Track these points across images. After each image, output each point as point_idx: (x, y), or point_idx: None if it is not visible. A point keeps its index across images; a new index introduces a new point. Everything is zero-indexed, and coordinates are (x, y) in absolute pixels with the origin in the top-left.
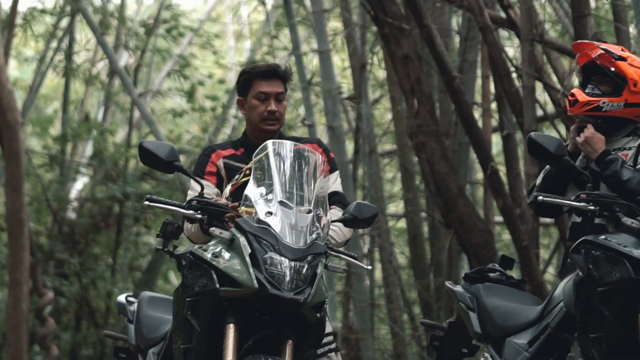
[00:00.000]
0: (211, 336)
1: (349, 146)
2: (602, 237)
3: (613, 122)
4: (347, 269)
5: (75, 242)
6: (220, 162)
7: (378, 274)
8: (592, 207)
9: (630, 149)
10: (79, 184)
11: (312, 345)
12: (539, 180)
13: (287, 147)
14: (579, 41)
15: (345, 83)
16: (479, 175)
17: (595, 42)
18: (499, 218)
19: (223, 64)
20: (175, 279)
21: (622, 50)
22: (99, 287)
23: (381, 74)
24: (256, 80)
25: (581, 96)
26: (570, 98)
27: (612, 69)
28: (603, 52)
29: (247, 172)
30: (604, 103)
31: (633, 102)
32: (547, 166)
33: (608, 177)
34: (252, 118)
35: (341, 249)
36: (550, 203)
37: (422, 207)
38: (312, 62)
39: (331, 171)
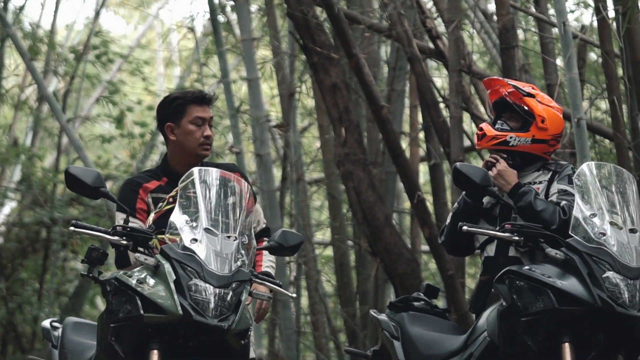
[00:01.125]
0: None
1: (277, 174)
2: (526, 267)
3: (522, 158)
4: (272, 296)
5: (2, 266)
6: (149, 198)
7: (304, 302)
8: (516, 238)
9: (540, 182)
10: (7, 209)
11: None
12: (448, 220)
13: (213, 174)
14: (489, 78)
15: (274, 111)
16: (406, 204)
17: (505, 79)
18: (425, 247)
19: (152, 90)
20: (102, 305)
21: (532, 88)
22: (26, 311)
23: (310, 102)
24: (190, 105)
25: (489, 130)
26: (478, 132)
27: (521, 105)
28: (513, 88)
29: (171, 200)
30: (511, 138)
31: (540, 139)
32: (455, 205)
33: (522, 208)
34: (188, 144)
35: (266, 277)
36: (474, 233)
37: (349, 235)
38: (241, 89)
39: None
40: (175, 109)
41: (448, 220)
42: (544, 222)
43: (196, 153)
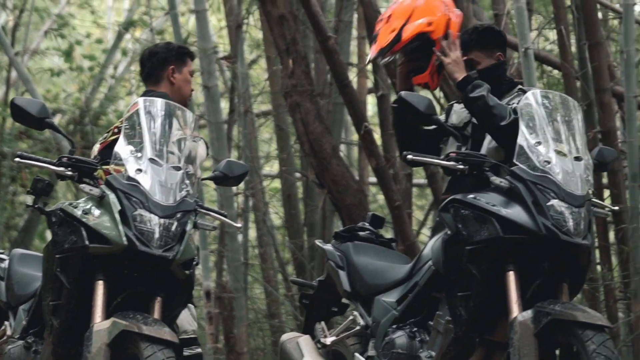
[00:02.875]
0: (80, 293)
1: (224, 106)
2: (471, 196)
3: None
4: (216, 227)
5: None
6: None
7: (252, 234)
8: (461, 166)
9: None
10: None
11: (181, 303)
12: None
13: (158, 105)
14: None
15: (222, 43)
16: (354, 135)
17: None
18: (373, 178)
19: (101, 23)
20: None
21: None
22: None
23: (257, 34)
24: (188, 58)
25: (424, 77)
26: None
27: (403, 45)
28: (379, 47)
29: (116, 130)
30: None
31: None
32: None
33: (474, 100)
34: (185, 90)
35: (212, 207)
36: (420, 162)
37: (296, 167)
38: (189, 21)
39: None
40: (180, 56)
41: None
42: (495, 118)
43: (185, 101)
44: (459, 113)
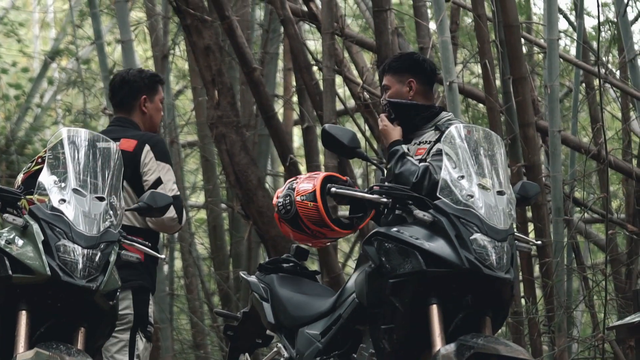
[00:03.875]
0: (4, 323)
1: None
2: (395, 229)
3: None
4: (140, 257)
5: None
6: None
7: (178, 265)
8: (385, 200)
9: (428, 142)
10: None
11: (105, 333)
12: None
13: (82, 135)
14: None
15: None
16: (281, 167)
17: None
18: None
19: (27, 52)
20: None
21: None
22: None
23: (183, 64)
24: (159, 85)
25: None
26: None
27: None
28: None
29: (39, 160)
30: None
31: None
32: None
33: (389, 168)
34: (157, 119)
35: (135, 238)
36: (343, 195)
37: (222, 198)
38: (115, 51)
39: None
40: (152, 85)
41: None
42: (402, 183)
43: (156, 128)
44: None
